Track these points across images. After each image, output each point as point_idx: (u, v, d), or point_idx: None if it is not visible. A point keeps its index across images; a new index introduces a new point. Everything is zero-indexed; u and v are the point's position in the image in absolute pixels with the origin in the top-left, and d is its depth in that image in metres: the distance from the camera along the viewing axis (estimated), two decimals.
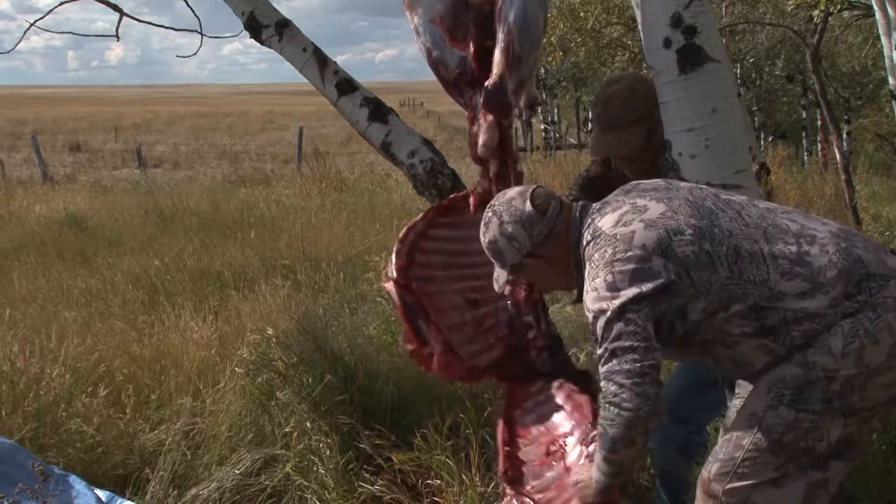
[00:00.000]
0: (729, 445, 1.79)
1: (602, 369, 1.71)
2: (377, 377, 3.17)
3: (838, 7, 6.98)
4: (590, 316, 1.75)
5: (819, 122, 13.33)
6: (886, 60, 3.76)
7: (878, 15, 3.67)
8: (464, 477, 2.51)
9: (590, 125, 18.23)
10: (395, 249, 2.26)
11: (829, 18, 7.55)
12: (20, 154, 19.34)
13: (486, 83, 2.31)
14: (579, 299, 1.89)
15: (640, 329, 1.67)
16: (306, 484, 2.72)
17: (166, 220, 7.82)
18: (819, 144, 13.28)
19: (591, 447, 1.93)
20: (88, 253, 6.44)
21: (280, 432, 2.96)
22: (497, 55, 2.29)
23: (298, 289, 4.80)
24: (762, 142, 14.75)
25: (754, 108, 14.97)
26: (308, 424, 2.94)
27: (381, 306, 4.12)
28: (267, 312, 4.16)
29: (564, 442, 2.06)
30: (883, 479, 2.61)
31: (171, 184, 11.73)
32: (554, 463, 2.02)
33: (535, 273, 1.96)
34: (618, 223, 1.77)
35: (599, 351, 1.72)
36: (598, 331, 1.71)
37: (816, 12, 6.82)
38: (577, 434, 2.06)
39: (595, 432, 1.98)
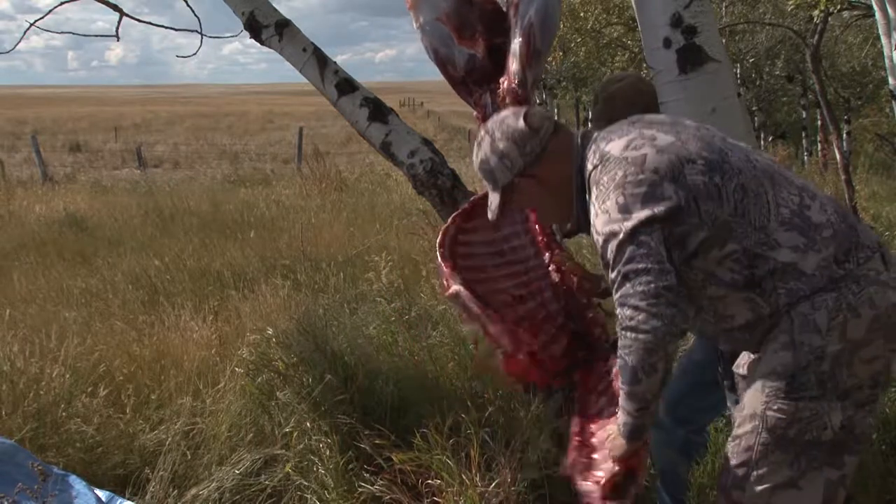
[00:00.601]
0: (739, 451, 1.79)
1: (615, 295, 1.67)
2: (377, 377, 3.17)
3: (838, 7, 6.97)
4: (600, 239, 1.71)
5: (819, 122, 13.33)
6: (886, 60, 3.76)
7: (878, 15, 3.67)
8: (464, 477, 2.51)
9: (589, 125, 18.23)
10: (438, 254, 2.23)
11: (829, 18, 7.55)
12: (20, 154, 19.32)
13: (508, 80, 2.29)
14: (576, 229, 1.87)
15: (653, 251, 1.63)
16: (306, 484, 2.72)
17: (166, 220, 7.83)
18: (819, 144, 13.27)
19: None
20: (88, 253, 6.45)
21: (280, 432, 2.96)
22: (515, 51, 2.27)
23: (298, 289, 4.80)
24: (762, 142, 14.75)
25: (754, 108, 14.96)
26: (308, 424, 2.93)
27: (381, 306, 4.12)
28: (267, 312, 4.16)
29: None
30: (883, 479, 2.61)
31: (171, 184, 11.74)
32: None
33: (528, 197, 1.91)
34: (627, 147, 1.74)
35: (612, 275, 1.67)
36: (610, 254, 1.68)
37: (816, 12, 6.81)
38: None
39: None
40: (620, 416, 1.76)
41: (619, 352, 1.68)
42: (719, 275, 1.72)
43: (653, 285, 1.61)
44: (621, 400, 1.73)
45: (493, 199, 1.91)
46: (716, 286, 1.73)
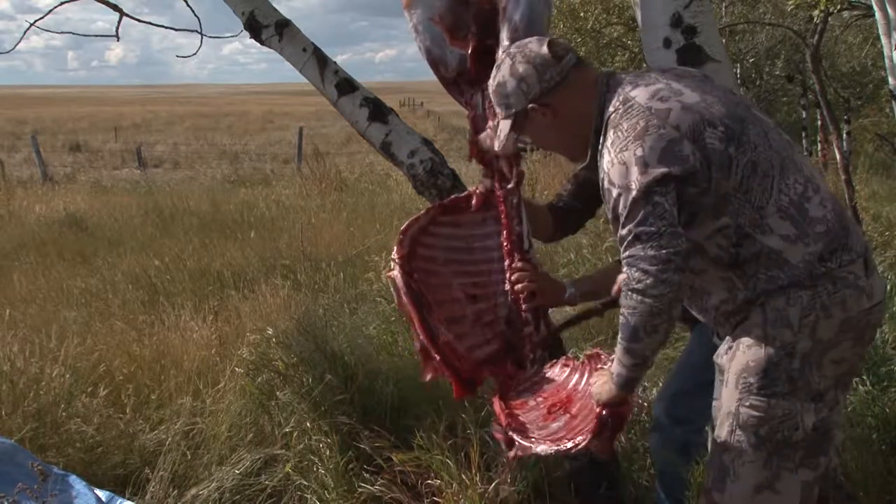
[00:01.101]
0: (717, 451, 1.80)
1: (625, 253, 1.65)
2: (377, 377, 3.17)
3: (838, 7, 6.97)
4: (613, 190, 1.66)
5: (819, 122, 13.33)
6: (886, 60, 3.76)
7: (878, 15, 3.68)
8: (463, 477, 2.51)
9: None
10: (397, 239, 2.26)
11: (829, 18, 7.54)
12: (20, 154, 19.33)
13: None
14: (590, 166, 1.82)
15: (667, 213, 1.61)
16: (306, 484, 2.72)
17: (166, 220, 7.83)
18: (819, 144, 13.27)
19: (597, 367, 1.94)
20: (88, 253, 6.45)
21: (280, 432, 2.96)
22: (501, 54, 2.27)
23: (298, 289, 4.80)
24: None
25: None
26: (308, 424, 2.93)
27: (381, 306, 4.12)
28: (267, 312, 4.16)
29: (566, 398, 2.05)
30: (883, 479, 2.61)
31: (171, 184, 11.75)
32: (559, 416, 2.01)
33: (539, 128, 1.86)
34: (653, 97, 1.70)
35: (623, 232, 1.65)
36: (622, 209, 1.65)
37: (816, 12, 6.81)
38: (579, 388, 2.04)
39: (593, 352, 2.01)
40: (615, 367, 1.76)
41: (622, 310, 1.68)
42: (706, 247, 1.72)
43: (664, 251, 1.60)
44: (618, 353, 1.73)
45: (503, 127, 1.86)
46: (700, 258, 1.72)
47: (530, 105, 1.81)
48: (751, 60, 14.04)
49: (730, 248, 1.70)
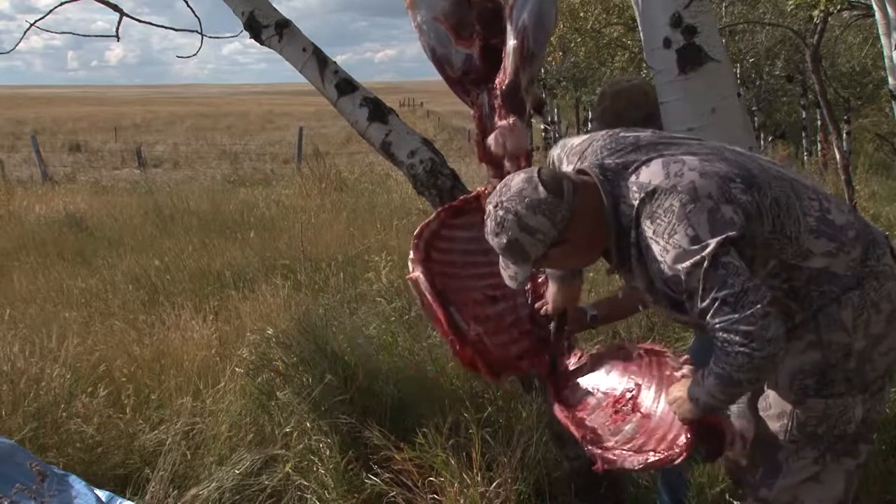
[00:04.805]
0: (768, 449, 1.81)
1: (714, 321, 1.59)
2: (377, 377, 3.17)
3: (838, 7, 6.97)
4: (680, 274, 1.63)
5: (819, 122, 13.34)
6: (886, 60, 3.77)
7: (878, 15, 3.68)
8: (465, 476, 2.51)
9: (590, 125, 18.19)
10: (411, 244, 2.23)
11: (829, 18, 7.54)
12: (20, 154, 19.33)
13: (501, 82, 2.29)
14: (619, 266, 1.79)
15: (741, 269, 1.59)
16: (306, 484, 2.72)
17: (166, 220, 7.82)
18: (819, 144, 13.28)
19: (685, 369, 1.90)
20: (88, 253, 6.44)
21: (280, 432, 2.96)
22: (509, 53, 2.27)
23: (298, 289, 4.80)
24: (762, 142, 14.76)
25: (754, 108, 14.96)
26: (308, 424, 2.94)
27: (381, 306, 4.12)
28: (267, 312, 4.16)
29: (630, 397, 2.03)
30: (883, 479, 2.62)
31: (171, 184, 11.75)
32: (627, 416, 1.99)
33: (559, 259, 1.83)
34: (668, 175, 1.68)
35: (704, 304, 1.60)
36: (695, 284, 1.61)
37: (816, 12, 6.81)
38: (643, 382, 2.03)
39: (651, 346, 1.98)
40: (702, 396, 1.71)
41: (725, 367, 1.62)
42: None
43: (759, 306, 1.56)
44: (712, 387, 1.67)
45: (520, 272, 1.80)
46: None
47: (548, 250, 1.76)
48: (751, 60, 14.04)
49: (782, 284, 1.72)
